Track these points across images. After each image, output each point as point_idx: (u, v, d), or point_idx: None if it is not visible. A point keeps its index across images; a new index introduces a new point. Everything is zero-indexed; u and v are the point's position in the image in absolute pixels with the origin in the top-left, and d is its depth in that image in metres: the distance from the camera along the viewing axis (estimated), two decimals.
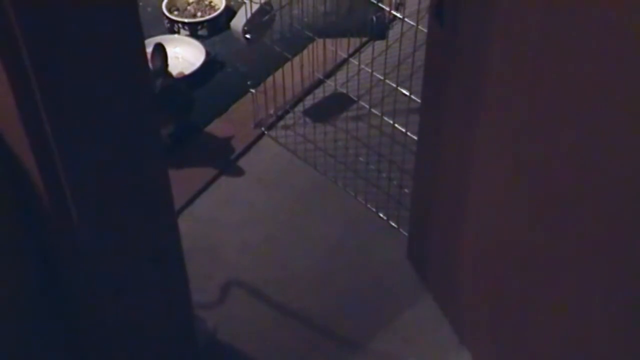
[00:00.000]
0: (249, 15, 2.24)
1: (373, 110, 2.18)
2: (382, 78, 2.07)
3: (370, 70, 2.12)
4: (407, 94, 2.00)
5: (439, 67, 1.72)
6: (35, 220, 1.34)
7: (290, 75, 2.40)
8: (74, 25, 1.08)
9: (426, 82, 1.80)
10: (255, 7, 2.25)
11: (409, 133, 2.04)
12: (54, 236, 1.37)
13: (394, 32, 2.60)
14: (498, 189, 1.65)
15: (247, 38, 2.27)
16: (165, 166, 1.40)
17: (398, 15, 1.96)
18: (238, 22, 2.26)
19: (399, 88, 2.03)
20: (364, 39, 2.66)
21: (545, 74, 1.38)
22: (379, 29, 2.69)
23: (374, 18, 2.74)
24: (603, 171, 1.31)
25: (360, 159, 2.33)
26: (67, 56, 1.09)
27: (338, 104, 2.53)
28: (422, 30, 1.79)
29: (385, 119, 2.13)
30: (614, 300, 1.39)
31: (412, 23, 1.88)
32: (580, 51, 1.27)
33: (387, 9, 2.15)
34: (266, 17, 2.29)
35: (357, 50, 2.62)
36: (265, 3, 2.27)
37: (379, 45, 2.32)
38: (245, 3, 2.25)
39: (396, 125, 2.10)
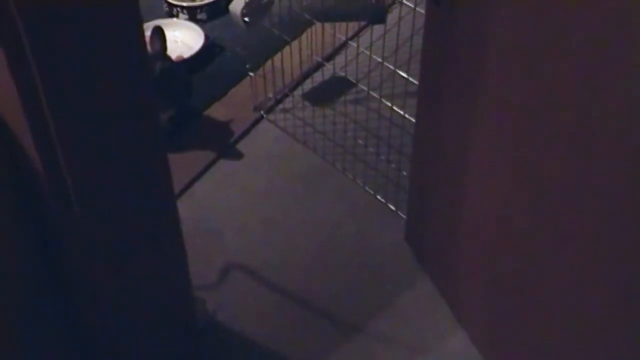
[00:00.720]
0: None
1: (372, 93, 2.19)
2: (380, 61, 2.07)
3: (369, 53, 2.12)
4: (405, 76, 2.01)
5: (436, 49, 1.73)
6: (34, 205, 1.35)
7: (289, 59, 2.41)
8: (72, 9, 1.08)
9: (424, 65, 1.80)
10: None
11: (407, 115, 2.05)
12: (53, 219, 1.38)
13: (392, 16, 2.60)
14: (496, 170, 1.66)
15: (245, 21, 2.27)
16: (164, 149, 1.41)
17: None
18: (237, 5, 2.26)
19: (397, 71, 2.04)
20: (363, 23, 2.66)
21: (543, 53, 1.38)
22: (377, 13, 2.69)
23: (373, 1, 2.75)
24: (602, 150, 1.32)
25: (360, 142, 2.34)
26: (66, 40, 1.10)
27: (337, 87, 2.54)
28: (421, 13, 1.79)
29: (384, 101, 2.13)
30: (611, 279, 1.41)
31: (410, 5, 1.88)
32: (578, 31, 1.28)
33: None
34: (265, 0, 2.29)
35: (356, 34, 2.62)
36: None
37: (378, 29, 2.33)
38: None
39: (394, 108, 2.11)
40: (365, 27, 2.65)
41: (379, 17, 2.66)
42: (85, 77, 1.16)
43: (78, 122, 1.20)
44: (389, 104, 2.12)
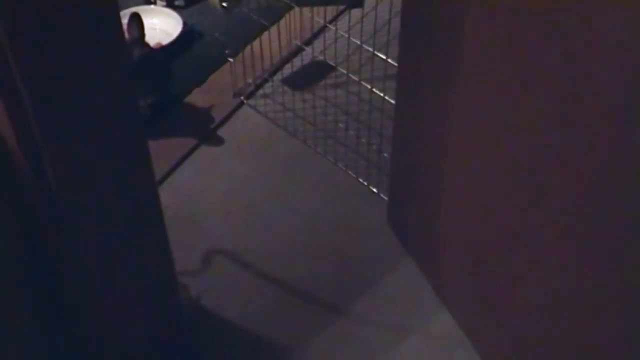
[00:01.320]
0: None
1: (351, 76, 2.19)
2: (359, 43, 2.08)
3: (347, 36, 2.12)
4: (385, 57, 2.01)
5: (414, 31, 1.73)
6: (15, 194, 1.35)
7: (269, 44, 2.41)
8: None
9: (402, 46, 1.81)
10: None
11: (387, 98, 2.05)
12: (37, 208, 1.38)
13: (370, 0, 2.60)
14: (477, 151, 1.67)
15: (223, 6, 2.27)
16: (144, 136, 1.41)
17: None
18: None
19: (376, 53, 2.04)
20: (342, 7, 2.66)
21: (520, 35, 1.39)
22: None
23: None
24: (581, 131, 1.33)
25: (340, 125, 2.34)
26: (43, 26, 1.10)
27: (316, 71, 2.54)
28: None
29: (364, 84, 2.14)
30: (593, 260, 1.42)
31: None
32: (553, 14, 1.29)
33: None
34: None
35: (335, 18, 2.62)
36: None
37: (356, 12, 2.33)
38: None
39: (374, 90, 2.11)
40: (343, 11, 2.65)
41: (357, 0, 2.67)
42: (63, 64, 1.16)
43: (58, 110, 1.19)
44: (369, 87, 2.12)
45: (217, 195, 2.26)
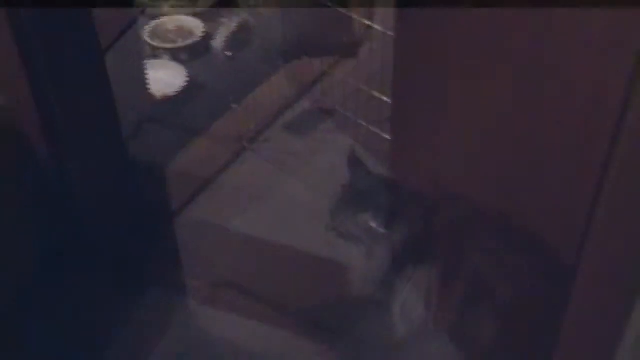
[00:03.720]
0: (228, 33, 2.36)
1: (351, 117, 2.27)
2: (362, 88, 2.16)
3: (348, 81, 2.22)
4: (385, 99, 2.10)
5: (407, 69, 1.83)
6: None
7: (270, 91, 2.50)
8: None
9: (395, 84, 1.91)
10: (235, 26, 2.37)
11: (383, 134, 2.14)
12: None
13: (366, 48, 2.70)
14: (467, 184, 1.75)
15: (227, 55, 2.38)
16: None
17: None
18: (219, 40, 2.38)
19: (375, 94, 2.13)
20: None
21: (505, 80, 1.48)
22: (349, 47, 2.81)
23: (344, 39, 2.88)
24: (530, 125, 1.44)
25: None
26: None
27: (317, 115, 2.64)
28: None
29: (363, 123, 2.22)
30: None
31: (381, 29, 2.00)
32: (514, 30, 1.39)
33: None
34: (245, 35, 2.41)
35: (336, 63, 2.72)
36: (243, 21, 2.39)
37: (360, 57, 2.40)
38: (225, 22, 2.37)
39: (371, 128, 2.20)
40: (339, 60, 2.77)
41: (350, 51, 2.79)
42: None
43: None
44: (364, 124, 2.20)
45: (221, 233, 2.34)
